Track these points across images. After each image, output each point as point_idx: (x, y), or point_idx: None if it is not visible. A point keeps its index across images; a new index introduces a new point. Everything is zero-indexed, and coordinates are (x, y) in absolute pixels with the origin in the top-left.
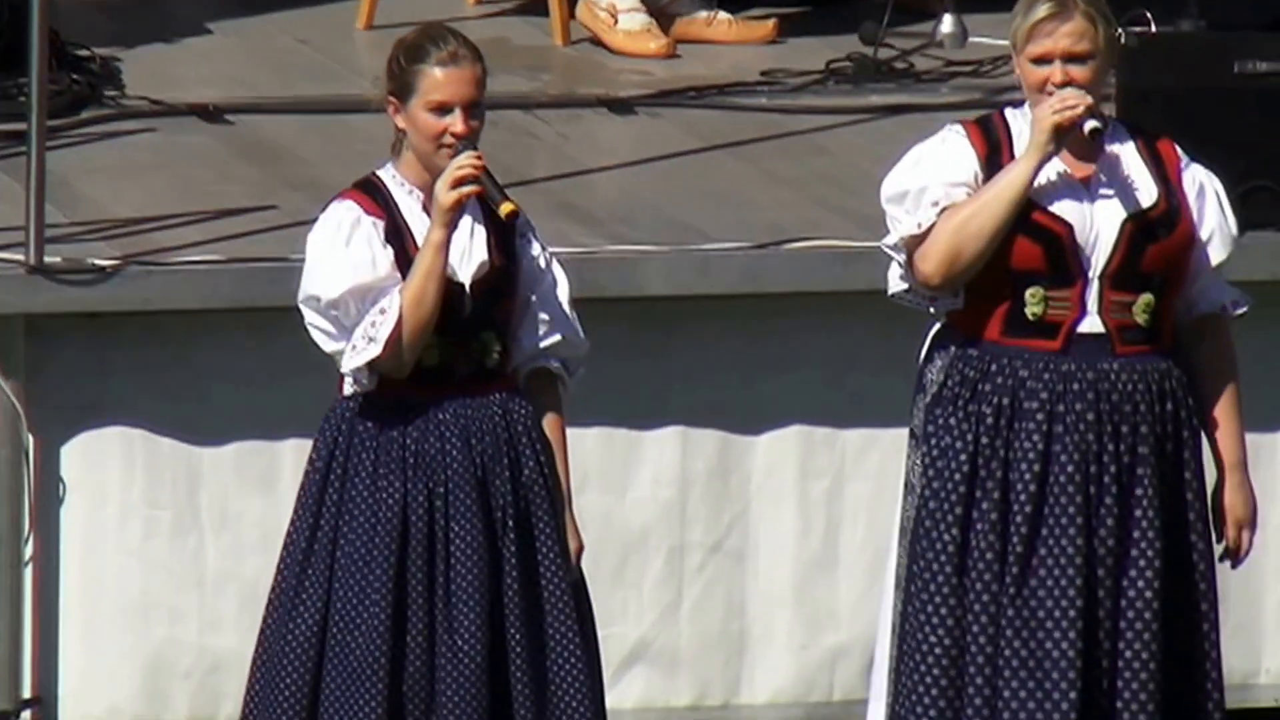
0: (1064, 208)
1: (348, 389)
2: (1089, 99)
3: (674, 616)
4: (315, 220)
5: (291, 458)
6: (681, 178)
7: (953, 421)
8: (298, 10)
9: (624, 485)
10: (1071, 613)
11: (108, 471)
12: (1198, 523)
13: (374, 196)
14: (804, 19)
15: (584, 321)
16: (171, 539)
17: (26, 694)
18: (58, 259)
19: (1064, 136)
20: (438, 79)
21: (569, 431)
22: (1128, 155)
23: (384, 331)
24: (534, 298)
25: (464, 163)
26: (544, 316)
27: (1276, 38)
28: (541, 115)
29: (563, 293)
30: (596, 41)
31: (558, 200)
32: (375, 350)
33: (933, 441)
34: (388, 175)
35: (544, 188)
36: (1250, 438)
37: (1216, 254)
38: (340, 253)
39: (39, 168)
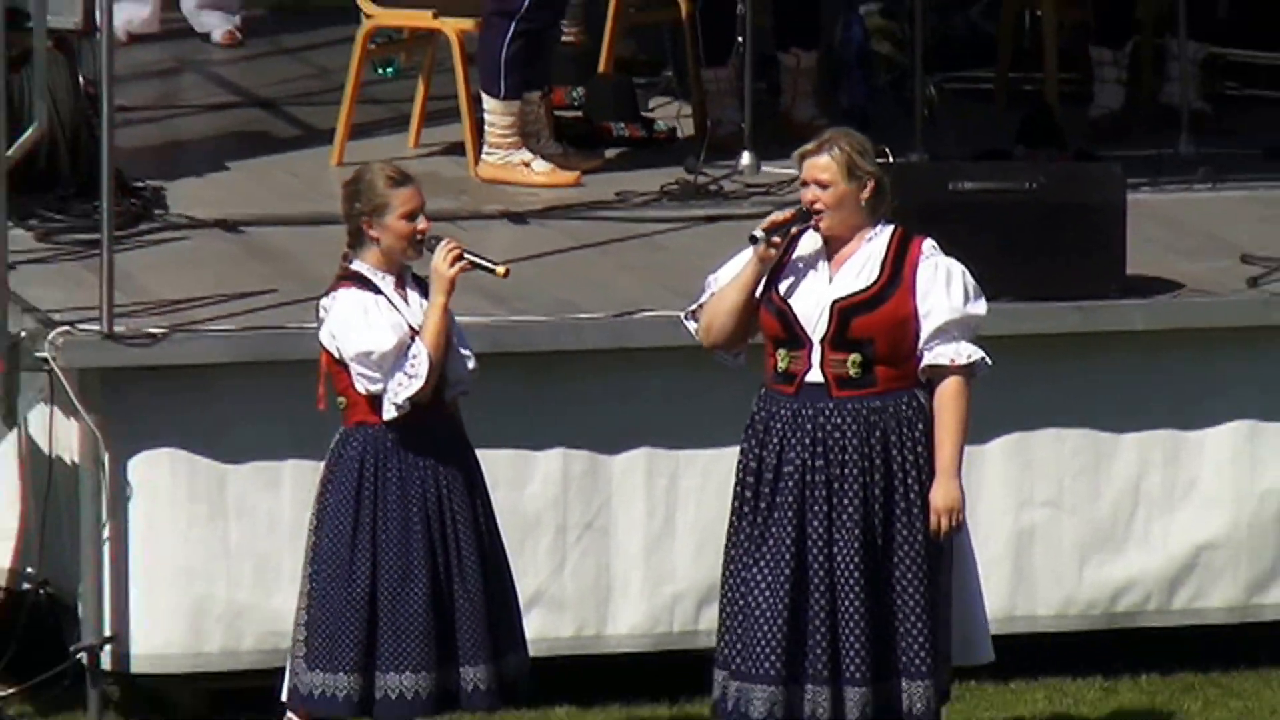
0: (796, 294)
1: (392, 415)
2: (782, 215)
3: (560, 574)
4: (308, 299)
5: (289, 470)
6: (561, 267)
7: (745, 438)
8: (289, 152)
9: (523, 484)
10: (783, 579)
11: (160, 478)
12: (903, 516)
13: (365, 284)
14: (641, 154)
15: (488, 371)
16: (205, 525)
17: (107, 633)
18: (123, 329)
19: (758, 240)
20: (405, 196)
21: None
22: (870, 251)
23: (423, 369)
24: (455, 340)
25: (451, 247)
26: (464, 352)
27: (978, 165)
28: (461, 224)
29: (465, 339)
30: (507, 183)
31: (471, 283)
32: (419, 384)
33: (740, 456)
34: (363, 268)
35: (461, 277)
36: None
37: (934, 321)
38: (377, 319)
39: (109, 265)
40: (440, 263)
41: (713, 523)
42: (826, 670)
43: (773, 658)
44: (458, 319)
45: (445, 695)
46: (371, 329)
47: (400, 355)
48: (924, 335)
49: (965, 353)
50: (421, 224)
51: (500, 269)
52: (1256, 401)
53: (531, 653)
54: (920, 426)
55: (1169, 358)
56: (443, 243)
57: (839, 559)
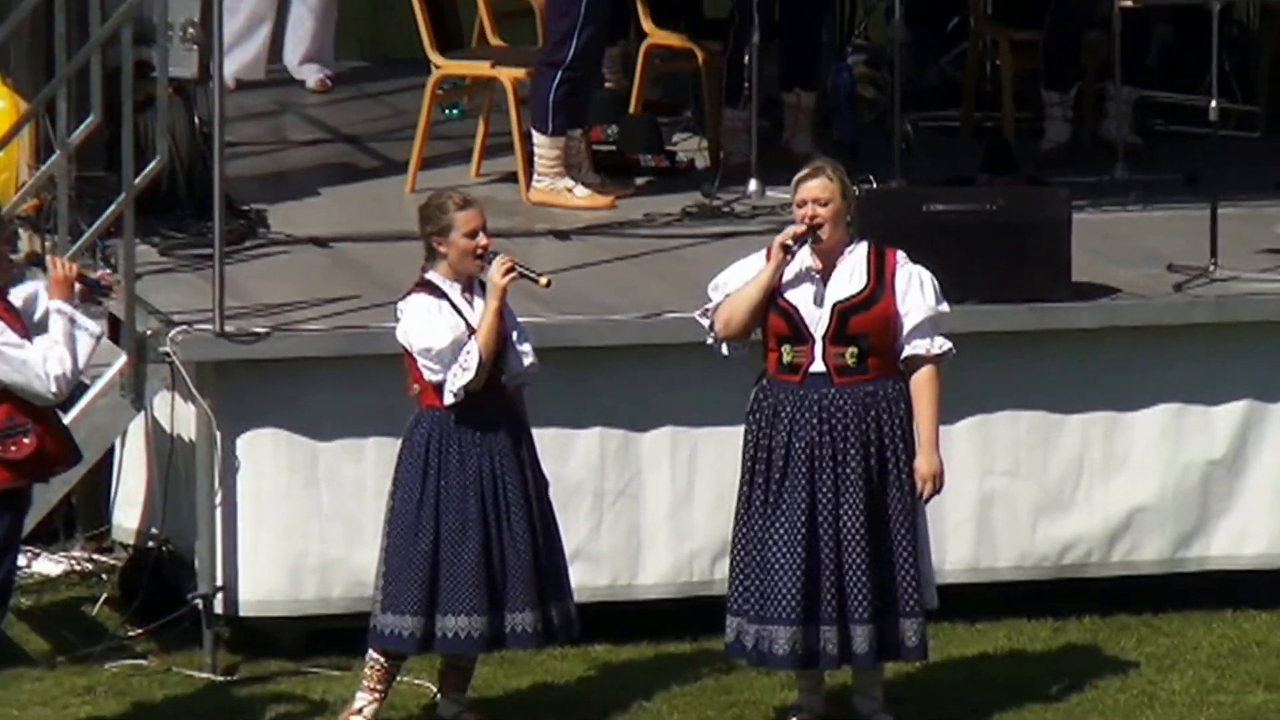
0: (799, 297)
1: (450, 400)
2: (801, 228)
3: (597, 533)
4: (386, 303)
5: (371, 445)
6: (598, 276)
7: (750, 422)
8: (371, 180)
9: (567, 458)
10: (799, 532)
11: (263, 453)
12: (895, 481)
13: (434, 290)
14: (666, 182)
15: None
16: (301, 492)
17: (219, 583)
18: (232, 328)
19: (787, 251)
20: (467, 217)
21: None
22: (856, 261)
23: (474, 363)
24: (515, 337)
25: (504, 261)
26: (522, 348)
27: (950, 190)
28: (514, 240)
29: (528, 337)
30: (553, 206)
31: (525, 291)
32: (470, 375)
33: (745, 436)
34: (434, 277)
35: (516, 286)
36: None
37: (913, 319)
38: (437, 320)
39: (220, 274)
40: (494, 274)
41: (726, 489)
42: (835, 612)
43: (792, 603)
44: (519, 320)
45: (495, 636)
46: (431, 329)
47: (456, 351)
48: (904, 330)
49: (938, 345)
50: (482, 240)
51: (543, 280)
52: (1181, 387)
53: (574, 600)
54: (902, 406)
55: (1107, 351)
56: (498, 257)
57: (844, 518)
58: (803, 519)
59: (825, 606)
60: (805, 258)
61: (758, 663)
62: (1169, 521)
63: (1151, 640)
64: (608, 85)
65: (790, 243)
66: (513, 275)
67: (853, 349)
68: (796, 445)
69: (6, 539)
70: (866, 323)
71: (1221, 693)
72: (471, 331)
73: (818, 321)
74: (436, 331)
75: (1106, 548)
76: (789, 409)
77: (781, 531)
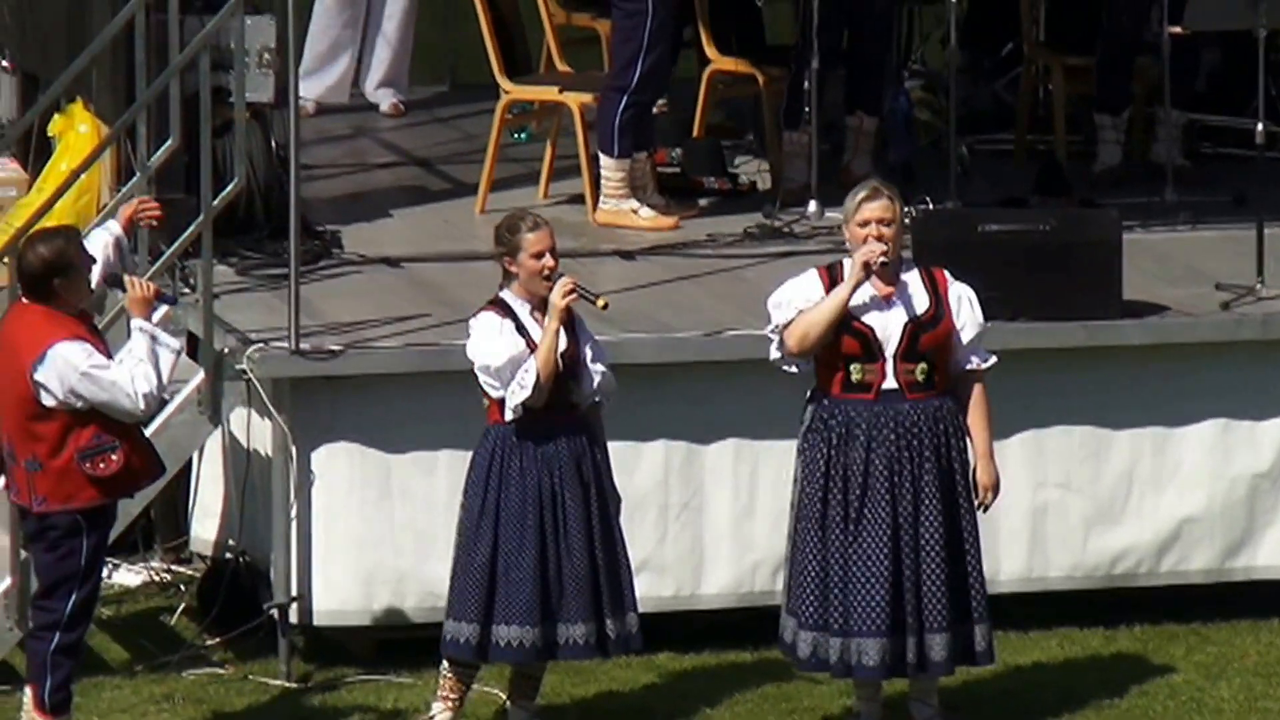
0: (871, 317)
1: (509, 416)
2: (884, 247)
3: (662, 545)
4: (456, 321)
5: (444, 459)
6: (662, 296)
7: (816, 441)
8: (442, 202)
9: (633, 471)
10: (885, 545)
11: (337, 467)
12: (963, 491)
13: (503, 309)
14: (728, 203)
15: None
16: (374, 505)
17: (294, 593)
18: (307, 346)
19: (869, 270)
20: (534, 239)
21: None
22: (914, 281)
23: (530, 381)
24: (589, 356)
25: (566, 284)
26: (597, 368)
27: (1004, 211)
28: (581, 260)
29: (602, 357)
30: (619, 227)
31: (586, 309)
32: (526, 393)
33: (805, 453)
34: (508, 295)
35: (580, 303)
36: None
37: (967, 335)
38: (497, 340)
39: (295, 294)
40: (555, 295)
41: (787, 502)
42: (914, 621)
43: (881, 615)
44: (595, 339)
45: (547, 646)
46: (490, 347)
47: (514, 369)
48: (959, 347)
49: (987, 359)
50: (548, 262)
51: (601, 301)
52: (1229, 402)
53: (640, 610)
54: (959, 419)
55: (1157, 367)
56: (560, 279)
57: (923, 530)
58: (887, 533)
59: (908, 617)
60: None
61: (842, 675)
62: (1217, 533)
63: (1200, 649)
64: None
65: (875, 262)
66: (572, 296)
67: (922, 365)
68: (876, 461)
69: (93, 555)
70: (933, 340)
71: (1269, 699)
72: (534, 350)
73: (889, 340)
74: (494, 350)
75: (1156, 558)
76: (864, 426)
77: (867, 547)
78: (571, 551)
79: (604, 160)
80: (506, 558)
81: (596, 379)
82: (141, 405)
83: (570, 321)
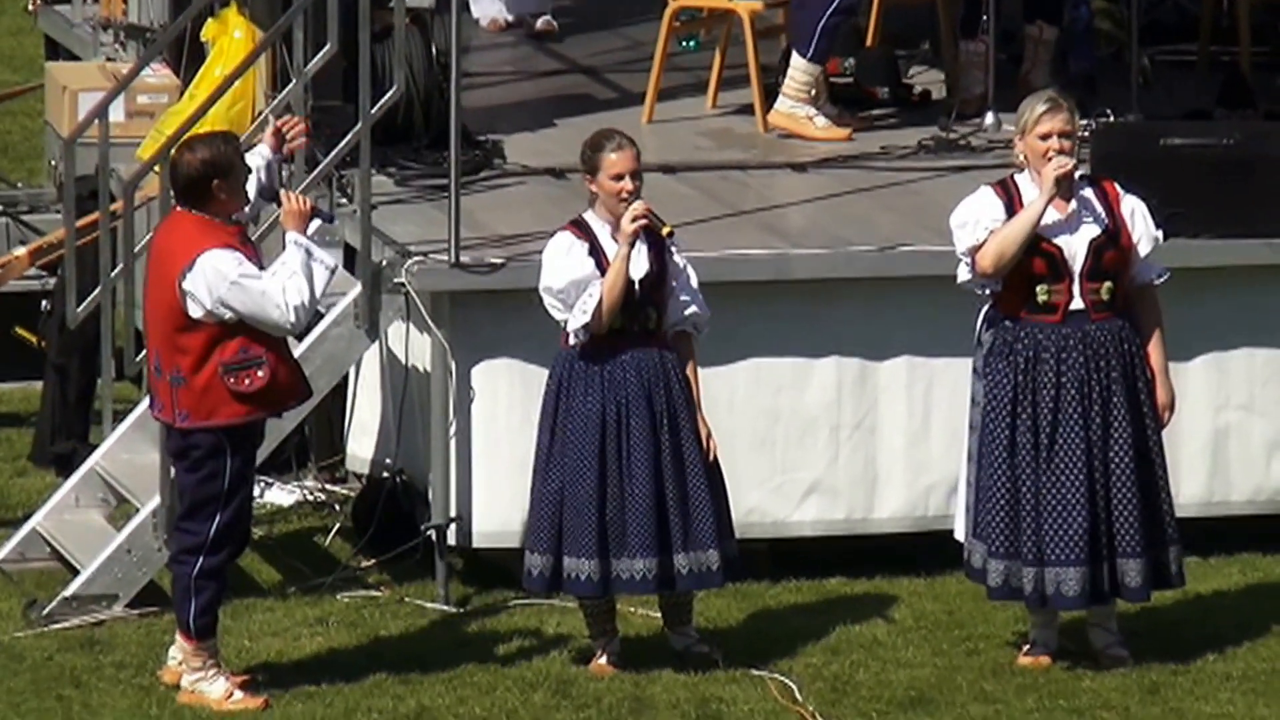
0: (1053, 233)
1: (572, 341)
2: (1073, 160)
3: (834, 466)
4: None
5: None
6: (834, 209)
7: (1001, 365)
8: (607, 112)
9: (803, 389)
10: (1080, 470)
11: (498, 383)
12: (1149, 413)
13: (581, 229)
14: (902, 114)
15: (774, 295)
16: (535, 423)
17: (453, 514)
18: (467, 259)
19: (1063, 184)
20: (613, 160)
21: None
22: (1090, 196)
23: (591, 306)
24: (675, 285)
25: (637, 209)
26: (683, 298)
27: (1187, 124)
28: (751, 173)
29: (693, 282)
30: (792, 135)
31: (758, 223)
32: (586, 318)
33: (989, 377)
34: (590, 216)
35: (752, 216)
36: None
37: (1144, 249)
38: (563, 261)
39: (456, 206)
40: (625, 220)
41: (962, 423)
42: (1108, 548)
43: (1080, 543)
44: (689, 267)
45: (603, 580)
46: (553, 268)
47: (576, 291)
48: (1137, 261)
49: (1164, 274)
50: (627, 185)
51: (665, 229)
52: None
53: (809, 533)
54: (1138, 338)
55: None
56: (632, 204)
57: (1114, 453)
58: (1081, 459)
59: (1103, 543)
60: (1032, 197)
61: (1038, 605)
62: None
63: None
64: None
65: (1067, 177)
66: (643, 221)
67: (1108, 284)
68: (1067, 385)
69: (237, 478)
70: (1115, 256)
71: None
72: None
73: (1074, 258)
74: (557, 271)
75: None
76: (1052, 349)
77: (1061, 473)
78: (635, 480)
79: (795, 59)
80: (570, 487)
81: (687, 310)
82: (292, 318)
83: (658, 247)
